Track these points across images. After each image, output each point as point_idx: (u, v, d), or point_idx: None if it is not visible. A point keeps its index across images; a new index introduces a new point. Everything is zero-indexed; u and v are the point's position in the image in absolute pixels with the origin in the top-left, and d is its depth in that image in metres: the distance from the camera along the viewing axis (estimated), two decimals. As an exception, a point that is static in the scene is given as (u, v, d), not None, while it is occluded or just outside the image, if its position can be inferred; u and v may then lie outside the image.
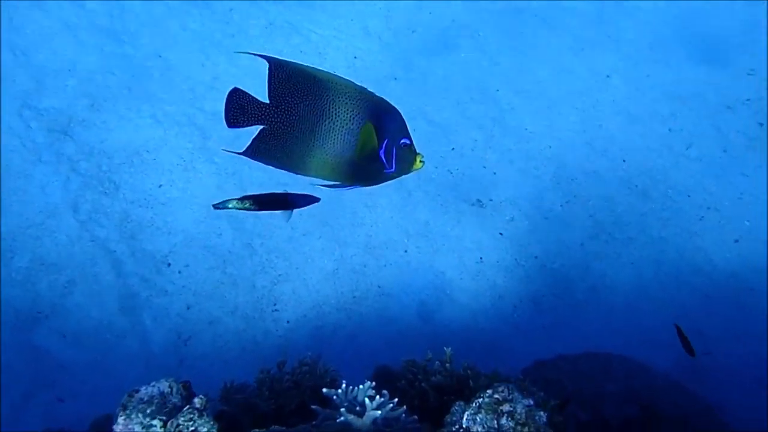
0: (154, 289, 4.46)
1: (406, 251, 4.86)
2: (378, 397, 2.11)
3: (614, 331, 4.28)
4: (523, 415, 1.71)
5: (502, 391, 1.77)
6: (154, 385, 2.06)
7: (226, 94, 1.74)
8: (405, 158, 1.78)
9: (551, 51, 5.62)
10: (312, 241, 4.88)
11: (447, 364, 2.85)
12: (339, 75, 1.72)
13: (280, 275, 4.67)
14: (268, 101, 1.74)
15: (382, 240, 4.90)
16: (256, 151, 1.77)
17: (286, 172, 1.82)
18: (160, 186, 4.83)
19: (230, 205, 1.97)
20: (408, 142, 1.76)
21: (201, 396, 2.11)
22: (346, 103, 1.71)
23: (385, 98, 1.75)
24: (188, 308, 4.41)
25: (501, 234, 4.77)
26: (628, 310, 4.40)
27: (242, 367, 4.09)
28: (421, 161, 1.79)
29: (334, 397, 2.17)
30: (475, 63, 5.57)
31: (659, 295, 4.44)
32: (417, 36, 5.71)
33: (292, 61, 1.72)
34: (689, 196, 4.80)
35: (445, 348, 2.89)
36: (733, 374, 4.00)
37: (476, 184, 5.01)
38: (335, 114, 1.71)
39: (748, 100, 5.02)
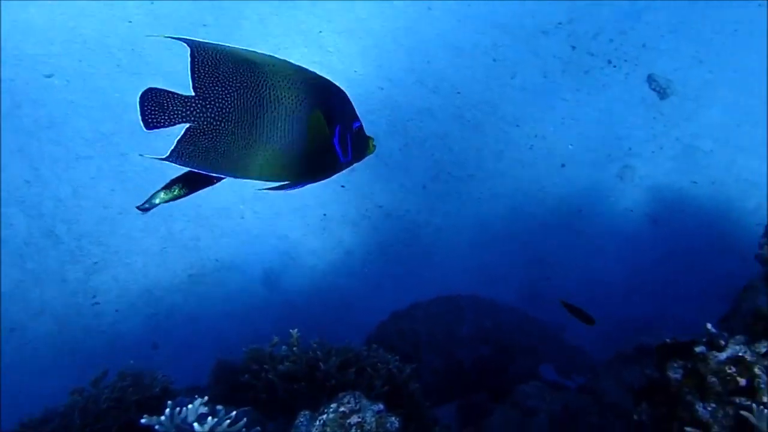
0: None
1: (242, 218, 4.45)
2: (210, 418, 1.78)
3: (462, 270, 4.30)
4: (374, 424, 1.51)
5: (348, 403, 1.55)
6: None
7: (138, 96, 1.41)
8: (360, 144, 1.56)
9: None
10: (131, 219, 4.28)
11: (294, 348, 2.58)
12: (272, 55, 1.45)
13: (96, 263, 4.06)
14: (192, 93, 1.41)
15: (214, 209, 4.43)
16: (182, 154, 1.43)
17: (222, 176, 1.48)
18: None
19: (158, 200, 1.57)
20: (360, 125, 1.56)
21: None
22: (290, 88, 1.45)
23: (325, 76, 1.49)
24: (-21, 319, 3.68)
25: (343, 186, 4.51)
26: (473, 248, 4.44)
27: (60, 376, 3.51)
28: (373, 145, 1.58)
29: (157, 426, 1.81)
30: (292, 3, 5.10)
31: (500, 229, 4.53)
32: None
33: (216, 42, 1.42)
34: (518, 126, 4.88)
35: (291, 330, 2.61)
36: (570, 296, 4.22)
37: (309, 136, 4.68)
38: (278, 102, 1.44)
39: (559, 23, 5.14)
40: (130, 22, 4.59)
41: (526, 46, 5.09)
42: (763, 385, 1.39)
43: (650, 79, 4.77)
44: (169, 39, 1.44)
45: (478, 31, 5.12)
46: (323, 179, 1.57)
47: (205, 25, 4.60)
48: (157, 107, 1.41)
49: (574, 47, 5.05)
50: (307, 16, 5.02)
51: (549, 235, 4.48)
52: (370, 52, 4.88)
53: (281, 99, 1.44)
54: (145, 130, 1.41)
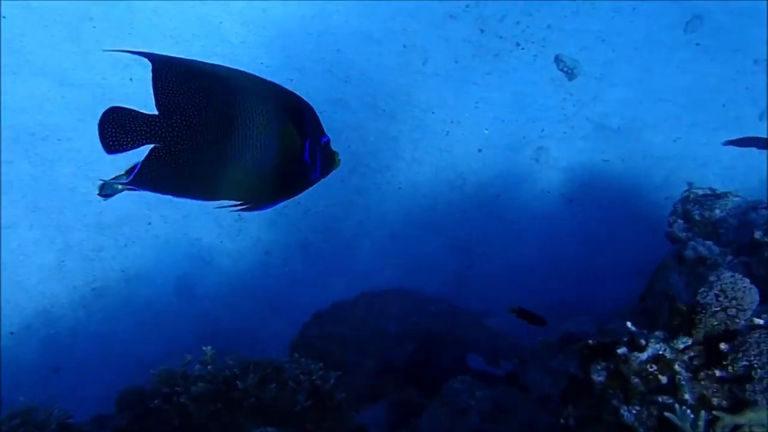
0: None
1: (149, 223, 4.14)
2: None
3: (386, 264, 4.21)
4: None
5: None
6: None
7: (99, 117, 1.30)
8: (328, 158, 1.50)
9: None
10: (21, 232, 3.89)
11: (209, 366, 2.39)
12: (237, 68, 1.39)
13: (-18, 285, 3.67)
14: (156, 112, 1.33)
15: (117, 215, 4.10)
16: (147, 178, 1.34)
17: (188, 199, 1.41)
18: None
19: (121, 186, 1.54)
20: (328, 139, 1.51)
21: None
22: (260, 103, 1.38)
23: (289, 89, 1.44)
24: None
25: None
26: (395, 240, 4.36)
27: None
28: (338, 159, 1.54)
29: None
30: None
31: (421, 219, 4.46)
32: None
33: (179, 57, 1.35)
34: (433, 112, 4.82)
35: (204, 348, 2.42)
36: (494, 281, 4.24)
37: (217, 132, 4.41)
38: (249, 119, 1.37)
39: (467, 6, 5.10)
40: (5, 17, 4.14)
41: (435, 30, 5.03)
42: (684, 382, 1.37)
43: (558, 60, 4.83)
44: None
45: (386, 17, 5.00)
46: (294, 196, 1.52)
47: (91, 19, 4.21)
48: (118, 128, 1.31)
49: (482, 30, 5.02)
50: (205, 7, 4.73)
51: (470, 222, 4.46)
52: (277, 43, 4.66)
53: (252, 115, 1.37)
54: (107, 154, 1.33)
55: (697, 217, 2.95)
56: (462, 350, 3.39)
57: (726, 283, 1.34)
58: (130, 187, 1.34)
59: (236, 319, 4.08)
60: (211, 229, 4.26)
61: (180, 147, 1.33)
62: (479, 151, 4.72)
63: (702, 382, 1.37)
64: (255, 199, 1.45)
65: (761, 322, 1.37)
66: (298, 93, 1.50)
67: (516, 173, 4.64)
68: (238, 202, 1.44)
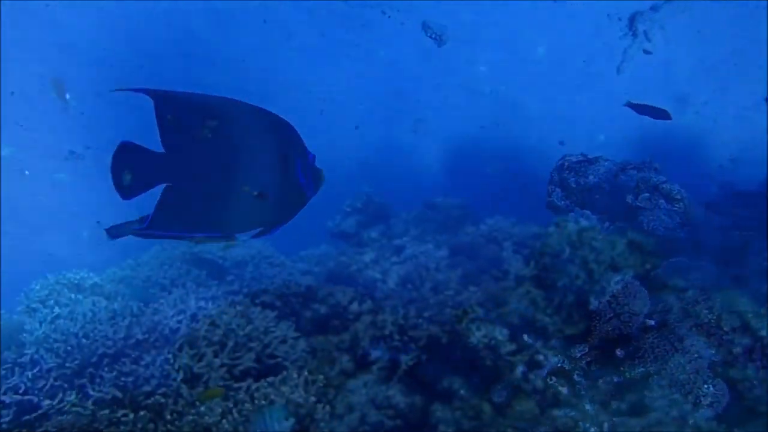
0: None
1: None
2: None
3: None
4: None
5: None
6: None
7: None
8: (317, 175, 1.53)
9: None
10: None
11: None
12: (229, 97, 1.41)
13: None
14: (162, 150, 1.32)
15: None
16: (162, 222, 1.31)
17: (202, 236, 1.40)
18: None
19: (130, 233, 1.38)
20: (314, 156, 1.54)
21: None
22: (258, 133, 1.40)
23: (272, 111, 1.46)
24: None
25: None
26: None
27: None
28: (323, 175, 1.54)
29: None
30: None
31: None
32: None
33: (176, 91, 1.34)
34: (309, 92, 4.58)
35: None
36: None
37: None
38: (251, 145, 1.39)
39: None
40: None
41: (295, 1, 4.71)
42: (583, 392, 1.32)
43: (425, 27, 4.71)
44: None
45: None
46: (294, 216, 1.54)
47: None
48: (132, 174, 1.30)
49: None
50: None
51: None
52: (120, 25, 4.14)
53: (252, 145, 1.38)
54: (122, 199, 1.33)
55: (573, 185, 3.00)
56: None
57: (617, 289, 1.30)
58: (143, 234, 1.33)
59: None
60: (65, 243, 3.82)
61: (189, 183, 1.33)
62: (356, 127, 4.56)
63: (601, 389, 1.34)
64: (261, 226, 1.45)
65: (653, 323, 1.35)
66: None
67: (396, 147, 4.54)
68: (247, 231, 1.46)
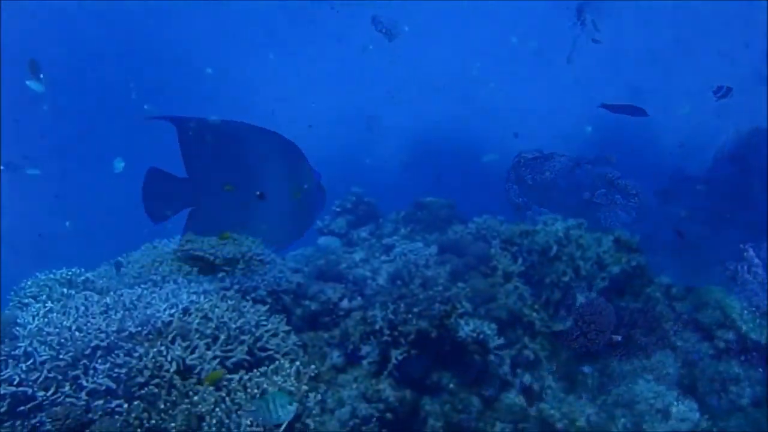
0: None
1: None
2: None
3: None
4: None
5: None
6: None
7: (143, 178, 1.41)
8: (322, 189, 1.61)
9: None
10: None
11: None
12: (243, 121, 1.49)
13: None
14: (186, 175, 1.43)
15: None
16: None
17: None
18: None
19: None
20: (319, 173, 1.63)
21: None
22: (275, 153, 1.50)
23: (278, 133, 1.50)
24: None
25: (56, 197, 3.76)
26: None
27: None
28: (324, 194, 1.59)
29: None
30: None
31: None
32: None
33: (195, 117, 1.45)
34: (258, 92, 4.50)
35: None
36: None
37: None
38: (269, 171, 1.47)
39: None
40: None
41: (243, 1, 4.60)
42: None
43: (375, 21, 4.51)
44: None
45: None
46: (309, 228, 1.68)
47: None
48: (159, 198, 1.40)
49: (292, -6, 4.66)
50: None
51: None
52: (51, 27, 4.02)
53: (269, 168, 1.47)
54: (153, 224, 1.43)
55: (530, 182, 3.02)
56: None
57: (583, 308, 1.34)
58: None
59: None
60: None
61: (215, 207, 1.42)
62: (309, 126, 4.45)
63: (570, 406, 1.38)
64: (279, 243, 1.54)
65: (619, 338, 1.39)
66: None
67: (352, 145, 4.49)
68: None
